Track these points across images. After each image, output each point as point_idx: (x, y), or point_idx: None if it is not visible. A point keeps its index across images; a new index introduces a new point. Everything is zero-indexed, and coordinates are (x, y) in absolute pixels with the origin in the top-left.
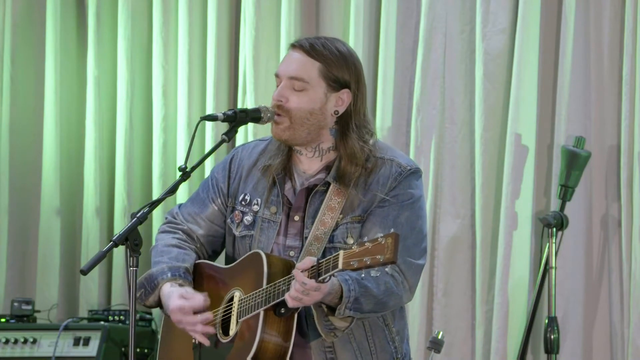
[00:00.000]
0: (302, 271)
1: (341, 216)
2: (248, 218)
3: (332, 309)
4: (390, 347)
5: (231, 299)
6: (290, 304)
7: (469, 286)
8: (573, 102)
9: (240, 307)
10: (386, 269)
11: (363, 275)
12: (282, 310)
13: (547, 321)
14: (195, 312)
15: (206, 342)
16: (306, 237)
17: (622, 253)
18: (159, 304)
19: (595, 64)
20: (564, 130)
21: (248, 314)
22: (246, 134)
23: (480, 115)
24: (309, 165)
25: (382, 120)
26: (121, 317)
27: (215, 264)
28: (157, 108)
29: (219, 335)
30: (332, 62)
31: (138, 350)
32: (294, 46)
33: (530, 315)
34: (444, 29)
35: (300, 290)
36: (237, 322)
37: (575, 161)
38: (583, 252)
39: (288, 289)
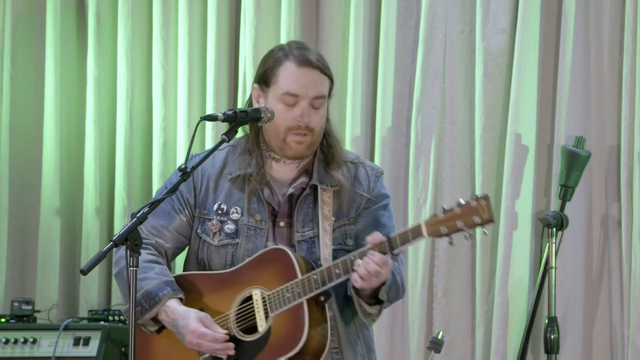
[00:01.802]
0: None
1: (334, 219)
2: (229, 227)
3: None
4: (373, 347)
5: (247, 299)
6: (359, 283)
7: (469, 286)
8: (573, 102)
9: (270, 303)
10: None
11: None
12: (322, 299)
13: (547, 321)
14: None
15: (223, 357)
16: (299, 242)
17: (622, 253)
18: (155, 320)
19: (595, 64)
20: (564, 130)
21: (282, 307)
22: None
23: (480, 115)
24: (284, 171)
25: (382, 120)
26: (121, 317)
27: (200, 272)
28: (157, 108)
29: (238, 335)
30: (331, 73)
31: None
32: (307, 64)
33: (530, 315)
34: (444, 29)
35: (374, 270)
36: (267, 317)
37: (575, 161)
38: (583, 252)
39: (344, 272)
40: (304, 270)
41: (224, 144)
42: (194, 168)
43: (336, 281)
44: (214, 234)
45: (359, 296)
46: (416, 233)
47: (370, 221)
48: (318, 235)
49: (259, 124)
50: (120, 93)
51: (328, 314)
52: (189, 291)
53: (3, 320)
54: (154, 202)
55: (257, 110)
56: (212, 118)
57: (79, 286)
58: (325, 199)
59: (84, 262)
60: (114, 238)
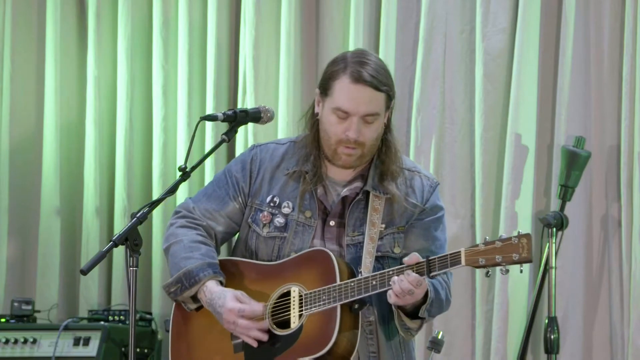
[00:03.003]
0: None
1: (383, 226)
2: (280, 220)
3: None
4: (414, 356)
5: (285, 294)
6: (393, 300)
7: (469, 286)
8: (573, 102)
9: (307, 302)
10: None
11: (437, 280)
12: (357, 306)
13: (547, 321)
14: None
15: (254, 344)
16: (348, 245)
17: (622, 253)
18: (193, 298)
19: (595, 64)
20: (564, 130)
21: (317, 308)
22: (246, 134)
23: (480, 115)
24: (341, 173)
25: None
26: (121, 317)
27: (246, 260)
28: (157, 108)
29: (271, 328)
30: (391, 86)
31: (138, 350)
32: (361, 81)
33: (530, 315)
34: (444, 29)
35: (408, 289)
36: (301, 315)
37: (575, 161)
38: (583, 252)
39: (380, 285)
40: (345, 276)
41: (286, 137)
42: (193, 168)
43: (372, 292)
44: (264, 225)
45: (400, 310)
46: (455, 260)
47: (422, 232)
48: (364, 241)
49: (259, 124)
50: (120, 93)
51: (360, 322)
52: (232, 276)
53: (3, 320)
54: (154, 202)
55: (257, 110)
56: (212, 118)
57: (79, 286)
58: (377, 205)
59: (84, 262)
60: (114, 238)
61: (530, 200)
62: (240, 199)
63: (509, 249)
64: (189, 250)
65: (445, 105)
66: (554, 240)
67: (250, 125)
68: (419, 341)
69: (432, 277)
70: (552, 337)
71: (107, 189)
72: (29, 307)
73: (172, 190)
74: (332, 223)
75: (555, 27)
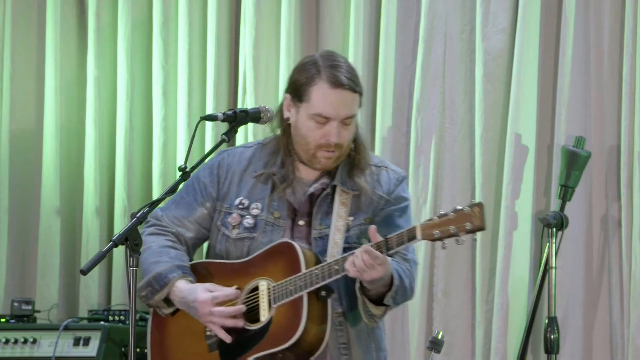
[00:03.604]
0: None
1: (351, 218)
2: (249, 221)
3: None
4: (383, 346)
5: (254, 289)
6: (351, 273)
7: (469, 286)
8: (573, 102)
9: (275, 294)
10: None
11: (401, 267)
12: (323, 294)
13: (547, 321)
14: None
15: (227, 339)
16: (315, 238)
17: (622, 253)
18: (166, 302)
19: (595, 64)
20: (564, 130)
21: (285, 299)
22: (246, 134)
23: (480, 115)
24: (308, 172)
25: (382, 120)
26: (121, 317)
27: (215, 261)
28: (157, 108)
29: (244, 324)
30: (361, 85)
31: (138, 350)
32: (339, 85)
33: (530, 315)
34: (444, 29)
35: (368, 262)
36: (270, 308)
37: (575, 161)
38: (583, 252)
39: (342, 269)
40: (310, 264)
41: (254, 142)
42: (193, 168)
43: (335, 277)
44: (233, 227)
45: (365, 296)
46: (411, 235)
47: (385, 220)
48: (330, 232)
49: (259, 124)
50: (120, 93)
51: (330, 310)
52: (202, 277)
53: (3, 320)
54: (154, 202)
55: (257, 110)
56: (212, 118)
57: (79, 286)
58: (344, 200)
59: (84, 262)
60: (114, 238)
61: (530, 200)
62: (208, 204)
63: (462, 219)
64: (158, 255)
65: (445, 105)
66: (554, 240)
67: (250, 125)
68: (419, 341)
69: (390, 255)
70: (552, 337)
71: (107, 189)
72: (29, 307)
73: (172, 190)
74: (301, 222)
75: (555, 27)
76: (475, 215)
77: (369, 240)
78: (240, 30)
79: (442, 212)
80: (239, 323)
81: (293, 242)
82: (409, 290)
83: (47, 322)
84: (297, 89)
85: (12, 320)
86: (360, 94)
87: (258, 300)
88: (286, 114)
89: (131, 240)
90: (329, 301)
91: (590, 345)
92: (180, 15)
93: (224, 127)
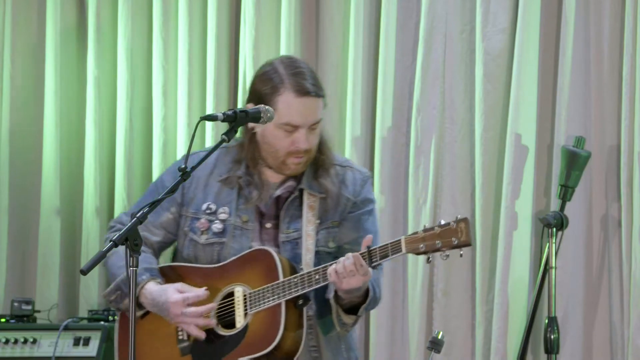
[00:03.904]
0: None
1: (318, 222)
2: (217, 226)
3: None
4: (354, 346)
5: (229, 295)
6: (332, 278)
7: (469, 286)
8: (573, 102)
9: (251, 301)
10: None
11: (373, 277)
12: (300, 302)
13: (547, 321)
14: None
15: (202, 336)
16: (283, 242)
17: (622, 253)
18: (138, 304)
19: (595, 64)
20: (564, 130)
21: (261, 306)
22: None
23: (480, 115)
24: (273, 175)
25: (382, 120)
26: None
27: (186, 265)
28: (157, 108)
29: (217, 329)
30: (324, 89)
31: None
32: (305, 94)
33: (530, 315)
34: (444, 29)
35: (349, 268)
36: (246, 315)
37: (575, 161)
38: (583, 252)
39: (323, 279)
40: (287, 273)
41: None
42: (193, 168)
43: (315, 286)
44: (202, 232)
45: (339, 305)
46: (395, 248)
47: (353, 225)
48: (301, 237)
49: (259, 124)
50: (120, 93)
51: (305, 317)
52: (173, 281)
53: (3, 320)
54: (154, 202)
55: (257, 111)
56: (212, 118)
57: (79, 286)
58: (311, 203)
59: (84, 262)
60: (114, 238)
61: (530, 200)
62: (173, 209)
63: (447, 234)
64: (124, 259)
65: (445, 105)
66: (554, 240)
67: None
68: (419, 341)
69: (374, 267)
70: (552, 337)
71: (107, 189)
72: (29, 307)
73: (172, 190)
74: (268, 225)
75: (555, 27)
76: (461, 230)
77: (338, 244)
78: (240, 30)
79: (427, 226)
80: (211, 322)
81: (270, 250)
82: (379, 299)
83: (47, 322)
84: (261, 99)
85: (12, 320)
86: (323, 96)
87: (233, 306)
88: (251, 124)
89: (131, 240)
90: (305, 309)
91: (590, 345)
92: (180, 15)
93: (224, 127)
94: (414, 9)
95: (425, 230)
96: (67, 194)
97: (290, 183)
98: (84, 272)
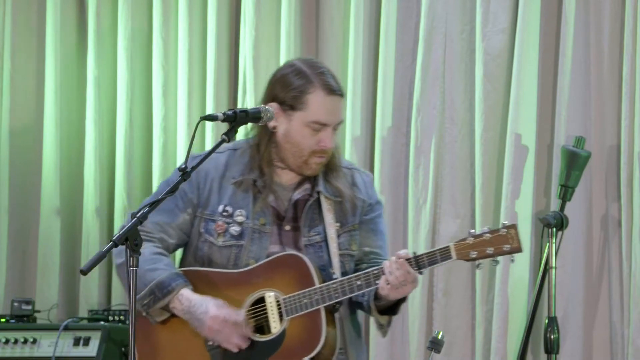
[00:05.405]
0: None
1: (338, 225)
2: (235, 228)
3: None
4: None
5: (259, 301)
6: (386, 291)
7: (469, 286)
8: (573, 102)
9: (287, 306)
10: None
11: None
12: (337, 307)
13: (547, 321)
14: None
15: (234, 349)
16: (305, 245)
17: (622, 253)
18: (165, 308)
19: (595, 64)
20: (564, 130)
21: (299, 312)
22: (246, 134)
23: (480, 115)
24: (288, 177)
25: (382, 120)
26: (121, 317)
27: (209, 269)
28: (157, 108)
29: (252, 336)
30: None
31: None
32: (333, 92)
33: (530, 315)
34: (444, 29)
35: (400, 280)
36: (282, 320)
37: (575, 161)
38: (583, 252)
39: (366, 285)
40: (320, 279)
41: (223, 146)
42: (193, 168)
43: (357, 292)
44: (219, 234)
45: (376, 307)
46: (445, 255)
47: (370, 228)
48: (326, 241)
49: (259, 124)
50: (120, 93)
51: (337, 320)
52: (197, 286)
53: (3, 320)
54: (154, 202)
55: (257, 110)
56: (212, 118)
57: (79, 286)
58: (328, 206)
59: (84, 262)
60: (114, 238)
61: (530, 200)
62: (189, 210)
63: (499, 241)
64: (152, 262)
65: (445, 105)
66: (554, 240)
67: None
68: (419, 341)
69: (421, 273)
70: (552, 337)
71: (107, 189)
72: (29, 307)
73: (172, 190)
74: (287, 228)
75: (555, 27)
76: (512, 237)
77: (359, 247)
78: (240, 30)
79: (474, 231)
80: (244, 345)
81: (302, 256)
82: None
83: (47, 322)
84: (288, 98)
85: (12, 320)
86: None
87: (265, 312)
88: (272, 123)
89: (131, 240)
90: (337, 314)
91: (590, 345)
92: (180, 15)
93: (224, 127)
94: (414, 9)
95: (474, 236)
96: (67, 194)
97: (306, 185)
98: (84, 272)
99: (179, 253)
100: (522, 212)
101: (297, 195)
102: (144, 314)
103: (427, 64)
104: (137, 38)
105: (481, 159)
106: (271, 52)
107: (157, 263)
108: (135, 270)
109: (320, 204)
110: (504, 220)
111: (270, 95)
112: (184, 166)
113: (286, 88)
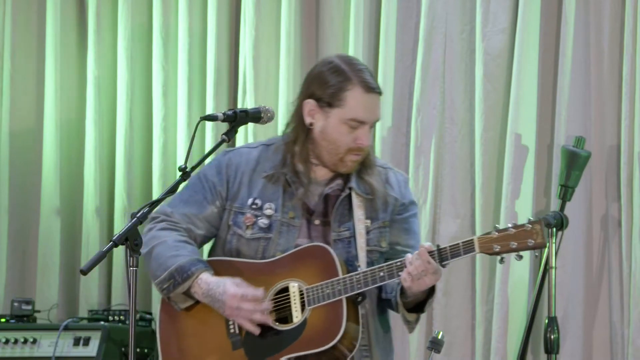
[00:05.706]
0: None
1: (369, 221)
2: (264, 221)
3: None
4: (393, 347)
5: (283, 290)
6: (408, 282)
7: (469, 286)
8: (573, 102)
9: (309, 296)
10: None
11: None
12: (360, 299)
13: (547, 321)
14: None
15: (257, 331)
16: (335, 240)
17: (622, 253)
18: (186, 293)
19: (595, 64)
20: (564, 130)
21: (321, 302)
22: (246, 134)
23: (480, 115)
24: (321, 172)
25: (382, 120)
26: (121, 317)
27: (234, 259)
28: (157, 108)
29: (273, 325)
30: None
31: (138, 350)
32: (372, 90)
33: (530, 315)
34: (444, 29)
35: (420, 270)
36: (303, 310)
37: (575, 161)
38: (583, 252)
39: (389, 276)
40: (345, 270)
41: (256, 141)
42: (193, 168)
43: (379, 283)
44: (247, 226)
45: (403, 304)
46: (468, 248)
47: (403, 227)
48: (355, 237)
49: (259, 124)
50: (120, 93)
51: (360, 313)
52: (221, 275)
53: (3, 320)
54: (154, 202)
55: (257, 110)
56: (212, 118)
57: (79, 286)
58: (359, 202)
59: (84, 262)
60: (114, 238)
61: (530, 200)
62: (218, 202)
63: (523, 235)
64: (175, 249)
65: (445, 105)
66: (554, 240)
67: (250, 125)
68: (419, 341)
69: (444, 266)
70: (552, 337)
71: (107, 189)
72: (29, 307)
73: (172, 190)
74: (316, 222)
75: (555, 27)
76: (536, 232)
77: (390, 244)
78: (240, 30)
79: (499, 226)
80: (268, 320)
81: (327, 247)
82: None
83: (47, 322)
84: (326, 95)
85: (12, 320)
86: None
87: (288, 301)
88: (308, 120)
89: (131, 240)
90: (361, 306)
91: (590, 345)
92: (180, 15)
93: (224, 127)
94: (414, 9)
95: (498, 230)
96: (67, 194)
97: (339, 181)
98: (84, 272)
99: (207, 247)
100: (522, 212)
101: (328, 190)
102: (166, 299)
103: (427, 64)
104: (137, 38)
105: (481, 159)
106: (271, 52)
107: (181, 250)
108: (136, 270)
109: (351, 200)
110: (504, 220)
111: (307, 92)
112: (184, 166)
113: (324, 85)
